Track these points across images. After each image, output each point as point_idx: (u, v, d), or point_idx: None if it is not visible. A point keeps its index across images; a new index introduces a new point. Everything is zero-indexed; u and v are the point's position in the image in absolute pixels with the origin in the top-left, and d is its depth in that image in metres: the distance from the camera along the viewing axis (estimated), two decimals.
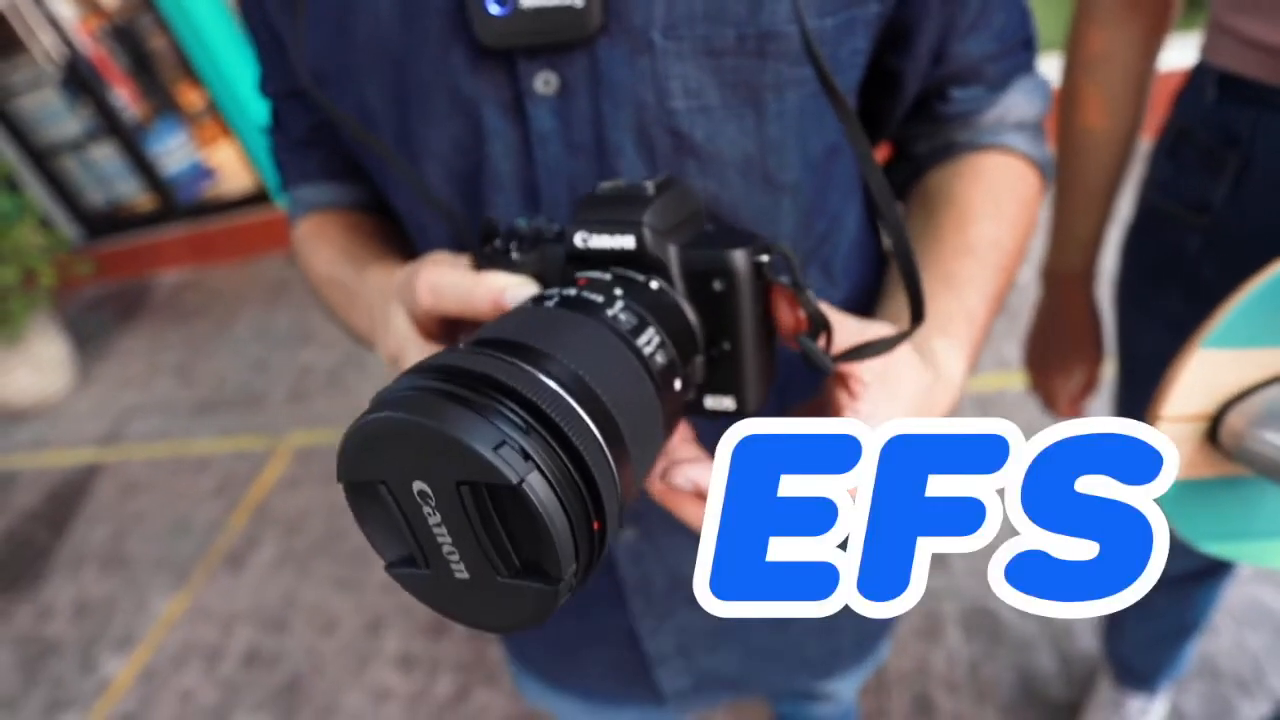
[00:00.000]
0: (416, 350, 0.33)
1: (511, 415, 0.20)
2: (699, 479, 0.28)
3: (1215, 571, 0.86)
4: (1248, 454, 0.36)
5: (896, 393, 0.30)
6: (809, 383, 0.40)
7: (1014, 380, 1.77)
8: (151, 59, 3.53)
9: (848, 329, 0.30)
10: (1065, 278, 0.73)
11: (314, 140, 0.49)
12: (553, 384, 0.21)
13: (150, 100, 3.63)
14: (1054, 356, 0.78)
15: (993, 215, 0.41)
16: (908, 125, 0.47)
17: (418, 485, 0.20)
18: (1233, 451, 0.37)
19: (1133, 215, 0.70)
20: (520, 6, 0.33)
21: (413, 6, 0.35)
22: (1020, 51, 0.44)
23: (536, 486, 0.19)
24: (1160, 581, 0.81)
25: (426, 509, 0.20)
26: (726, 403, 0.30)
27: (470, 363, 0.21)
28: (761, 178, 0.38)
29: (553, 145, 0.37)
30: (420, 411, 0.19)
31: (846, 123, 0.29)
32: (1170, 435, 0.38)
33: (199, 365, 2.90)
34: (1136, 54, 0.60)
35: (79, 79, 3.38)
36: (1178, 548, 0.83)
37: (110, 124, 3.49)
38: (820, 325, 0.28)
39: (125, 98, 3.55)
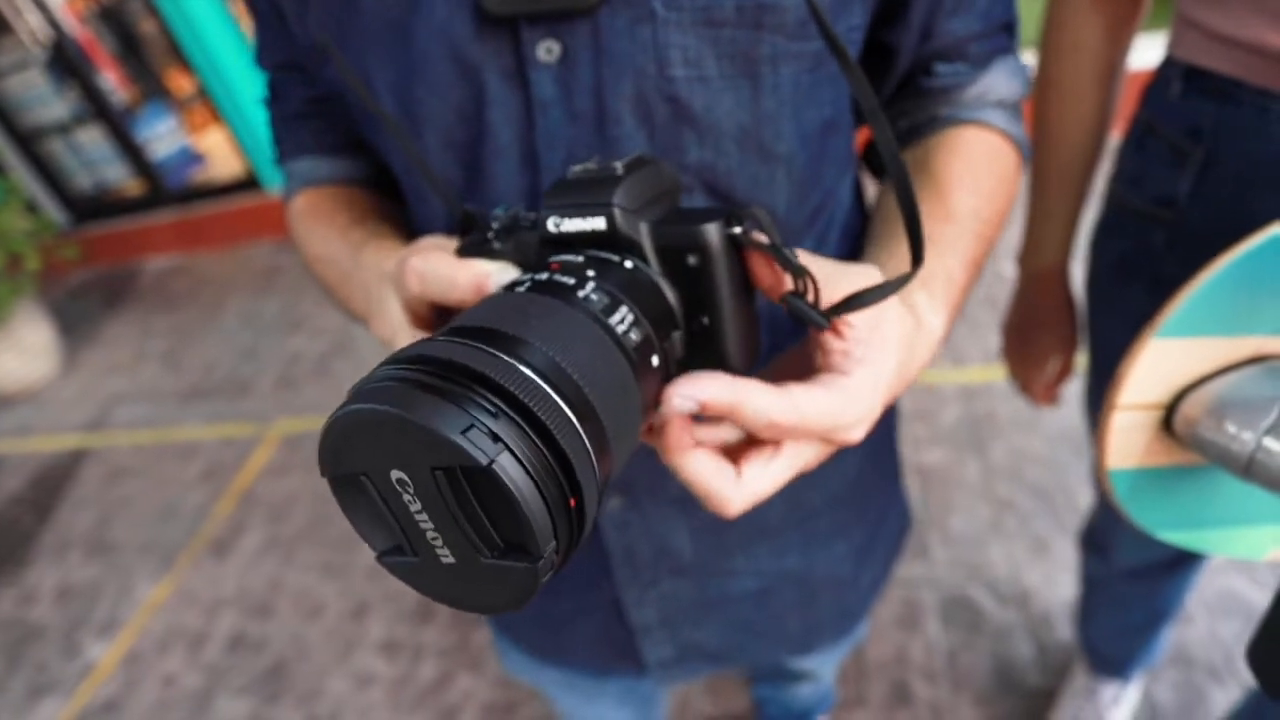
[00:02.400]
0: (406, 336, 0.34)
1: (480, 400, 0.20)
2: (697, 392, 0.27)
3: (1184, 561, 0.87)
4: (1201, 442, 0.37)
5: (887, 337, 0.30)
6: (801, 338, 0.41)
7: (1001, 373, 1.78)
8: (140, 42, 3.49)
9: (830, 276, 0.30)
10: (1039, 270, 0.73)
11: (310, 113, 0.50)
12: (522, 367, 0.22)
13: (139, 84, 3.59)
14: (1030, 346, 0.78)
15: (971, 186, 0.41)
16: (892, 102, 0.48)
17: (395, 474, 0.20)
18: (1187, 440, 0.38)
19: (1101, 211, 0.71)
20: None
21: None
22: (1002, 34, 0.45)
23: (507, 466, 0.20)
24: (1130, 571, 0.82)
25: (406, 496, 0.21)
26: None
27: (439, 350, 0.22)
28: (757, 148, 0.39)
29: (554, 113, 0.37)
30: (390, 401, 0.20)
31: (849, 74, 0.28)
32: (1126, 424, 0.39)
33: (186, 352, 2.89)
34: (1106, 45, 0.61)
35: (66, 61, 3.34)
36: (1146, 539, 0.84)
37: (98, 107, 3.45)
38: (802, 275, 0.28)
39: (113, 81, 3.51)
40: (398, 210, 0.53)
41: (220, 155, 3.60)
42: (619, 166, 0.29)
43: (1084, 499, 1.49)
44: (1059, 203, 0.69)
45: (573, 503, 0.21)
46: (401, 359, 0.22)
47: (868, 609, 0.67)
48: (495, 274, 0.30)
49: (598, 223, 0.29)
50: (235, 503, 2.07)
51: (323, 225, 0.48)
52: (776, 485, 0.31)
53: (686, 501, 0.50)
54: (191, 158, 3.75)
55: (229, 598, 1.81)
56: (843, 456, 0.54)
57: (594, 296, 0.26)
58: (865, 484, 0.58)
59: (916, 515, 1.54)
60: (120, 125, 3.50)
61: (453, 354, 0.21)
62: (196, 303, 3.22)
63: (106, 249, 3.79)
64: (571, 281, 0.27)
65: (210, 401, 2.55)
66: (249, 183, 3.44)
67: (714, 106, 0.37)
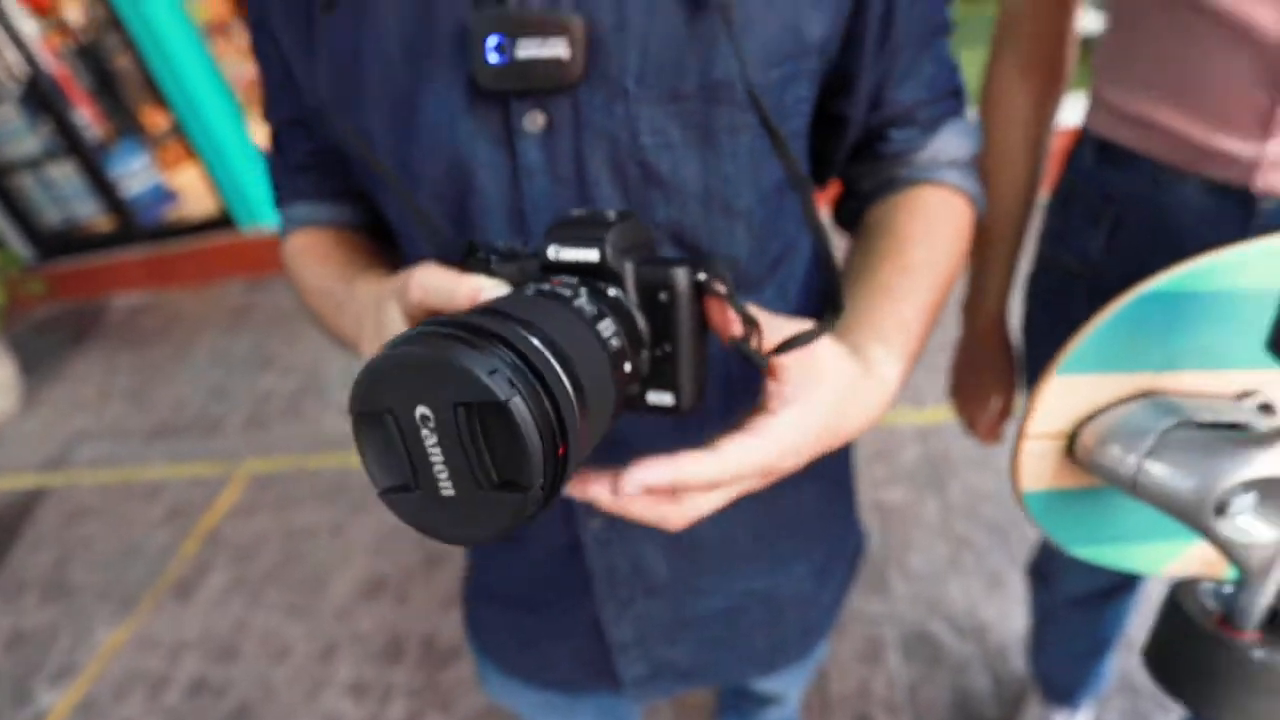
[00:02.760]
0: None
1: (502, 354, 0.25)
2: (644, 478, 0.33)
3: (1120, 590, 0.93)
4: (1096, 466, 0.43)
5: (820, 378, 0.35)
6: (752, 378, 0.47)
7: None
8: (116, 79, 3.52)
9: (776, 326, 0.35)
10: (980, 318, 0.80)
11: (310, 164, 0.55)
12: (532, 337, 0.27)
13: (113, 120, 3.61)
14: (973, 387, 0.85)
15: (927, 240, 0.47)
16: (853, 165, 0.53)
17: (420, 410, 0.25)
18: (1085, 464, 0.44)
19: (1032, 264, 0.79)
20: (516, 58, 0.39)
21: (419, 52, 0.41)
22: (949, 99, 0.51)
23: (519, 406, 0.24)
24: (1073, 600, 0.88)
25: (425, 431, 0.25)
26: (666, 398, 0.37)
27: (470, 319, 0.27)
28: (719, 206, 0.44)
29: (539, 177, 0.42)
30: (429, 345, 0.25)
31: (778, 148, 0.35)
32: (1036, 451, 0.45)
33: (154, 390, 2.86)
34: (1035, 113, 0.69)
35: (40, 96, 3.36)
36: (1084, 568, 0.89)
37: (70, 143, 3.46)
38: (750, 324, 0.34)
39: (87, 117, 3.53)
40: (389, 253, 0.58)
41: (194, 193, 3.62)
42: (612, 214, 0.36)
43: (1035, 533, 1.55)
44: (997, 259, 0.76)
45: (561, 451, 0.26)
46: (435, 322, 0.27)
47: (828, 628, 0.71)
48: (490, 289, 0.34)
49: (591, 254, 0.34)
50: (200, 543, 2.05)
51: (319, 261, 0.53)
52: (716, 506, 0.36)
53: None
54: (164, 195, 3.75)
55: (192, 640, 1.77)
56: (800, 489, 0.59)
57: (586, 307, 0.32)
58: (823, 512, 0.64)
59: (878, 553, 1.59)
60: (93, 161, 3.50)
61: (479, 321, 0.27)
62: (166, 340, 3.19)
63: (75, 285, 3.75)
64: (568, 293, 0.33)
65: (178, 440, 2.52)
66: (222, 221, 3.45)
67: (679, 169, 0.42)
